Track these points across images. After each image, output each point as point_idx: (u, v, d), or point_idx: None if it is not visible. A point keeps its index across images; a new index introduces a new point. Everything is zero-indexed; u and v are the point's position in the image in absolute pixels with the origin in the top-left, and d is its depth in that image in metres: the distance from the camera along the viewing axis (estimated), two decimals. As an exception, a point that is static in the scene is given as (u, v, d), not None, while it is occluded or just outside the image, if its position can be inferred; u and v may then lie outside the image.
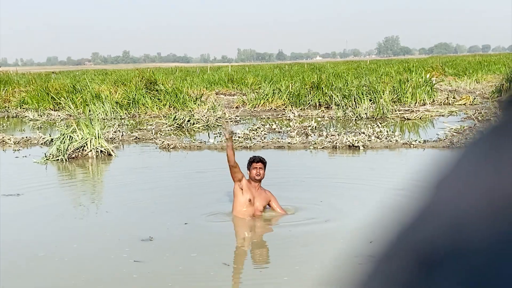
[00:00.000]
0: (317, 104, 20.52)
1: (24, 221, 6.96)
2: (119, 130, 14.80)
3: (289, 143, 12.62)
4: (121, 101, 20.66)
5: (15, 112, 22.30)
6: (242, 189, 6.82)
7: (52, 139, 12.71)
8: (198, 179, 9.20)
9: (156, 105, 20.60)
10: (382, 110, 17.26)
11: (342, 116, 17.46)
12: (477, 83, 28.25)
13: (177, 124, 16.11)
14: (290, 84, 22.60)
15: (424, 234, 0.27)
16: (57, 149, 11.49)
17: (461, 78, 30.36)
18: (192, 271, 5.21)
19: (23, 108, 22.80)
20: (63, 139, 11.69)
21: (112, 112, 19.84)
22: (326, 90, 20.66)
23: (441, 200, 0.28)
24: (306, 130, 14.43)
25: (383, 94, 18.55)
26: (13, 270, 5.34)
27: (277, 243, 6.15)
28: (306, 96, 20.79)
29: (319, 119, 17.13)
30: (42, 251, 5.83)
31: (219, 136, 13.92)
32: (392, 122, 16.28)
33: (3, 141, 13.91)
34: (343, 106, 18.35)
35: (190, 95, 21.61)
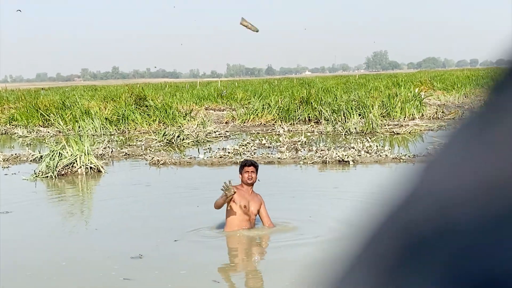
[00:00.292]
0: (307, 119, 20.58)
1: (13, 239, 6.91)
2: (108, 147, 14.76)
3: (279, 158, 12.63)
4: (111, 117, 20.63)
5: (4, 129, 22.21)
6: (234, 200, 6.76)
7: (41, 156, 12.65)
8: (188, 195, 9.18)
9: (146, 121, 20.59)
10: (371, 125, 17.33)
11: (332, 131, 17.52)
12: (465, 97, 28.43)
13: (167, 140, 16.10)
14: (279, 99, 22.68)
15: (412, 215, 0.27)
16: (47, 166, 11.44)
17: (449, 92, 30.54)
18: (182, 289, 5.18)
19: (12, 125, 22.71)
20: (52, 156, 11.64)
21: (101, 128, 19.80)
22: (316, 105, 20.73)
23: (431, 180, 0.27)
24: (296, 145, 14.45)
25: (372, 109, 18.63)
26: (2, 289, 5.29)
27: (267, 260, 6.13)
28: (295, 111, 20.86)
29: (308, 134, 17.16)
30: (31, 269, 5.78)
31: (209, 152, 13.93)
32: (381, 137, 16.34)
33: (-8, 158, 13.84)
34: (332, 121, 18.41)
35: (180, 111, 21.63)
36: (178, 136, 16.23)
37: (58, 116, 20.84)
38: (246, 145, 14.59)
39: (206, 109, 26.28)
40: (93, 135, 18.51)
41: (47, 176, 11.26)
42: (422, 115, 20.68)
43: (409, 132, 17.04)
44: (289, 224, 7.14)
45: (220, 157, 13.00)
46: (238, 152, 13.49)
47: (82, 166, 11.73)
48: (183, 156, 13.46)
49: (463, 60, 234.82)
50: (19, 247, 6.61)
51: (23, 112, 23.22)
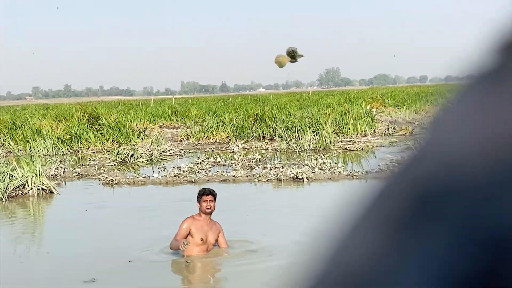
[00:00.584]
0: (261, 136, 20.67)
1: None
2: (61, 167, 14.53)
3: (233, 176, 12.66)
4: (63, 137, 20.31)
5: (-48, 150, 21.64)
6: (191, 234, 6.57)
7: (-10, 178, 12.37)
8: (143, 215, 9.10)
9: (99, 140, 20.35)
10: (325, 142, 17.52)
11: (286, 148, 17.65)
12: (415, 113, 29.02)
13: (121, 159, 15.95)
14: (233, 117, 22.75)
15: (421, 172, 0.27)
16: (-4, 187, 11.20)
17: (400, 108, 31.12)
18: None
19: (-40, 145, 22.15)
20: (2, 177, 11.41)
21: (53, 148, 19.47)
22: (270, 122, 20.87)
23: (440, 138, 0.28)
24: (251, 162, 14.50)
25: (326, 126, 18.84)
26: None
27: (224, 278, 6.13)
28: (250, 128, 20.95)
29: (263, 151, 17.22)
30: (-20, 295, 5.65)
31: (164, 170, 13.86)
32: (335, 154, 16.54)
33: None
34: (286, 138, 18.55)
35: (134, 129, 21.46)
36: (132, 155, 16.10)
37: (8, 136, 20.43)
38: (200, 163, 14.55)
39: (160, 127, 26.15)
40: (45, 155, 18.18)
41: (-3, 198, 11.02)
42: (374, 131, 21.02)
43: (362, 149, 17.28)
44: (244, 243, 7.15)
45: (175, 175, 12.95)
46: (193, 170, 13.46)
47: (34, 188, 11.52)
48: (137, 175, 13.36)
49: (413, 77, 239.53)
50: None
51: (-28, 132, 22.68)
